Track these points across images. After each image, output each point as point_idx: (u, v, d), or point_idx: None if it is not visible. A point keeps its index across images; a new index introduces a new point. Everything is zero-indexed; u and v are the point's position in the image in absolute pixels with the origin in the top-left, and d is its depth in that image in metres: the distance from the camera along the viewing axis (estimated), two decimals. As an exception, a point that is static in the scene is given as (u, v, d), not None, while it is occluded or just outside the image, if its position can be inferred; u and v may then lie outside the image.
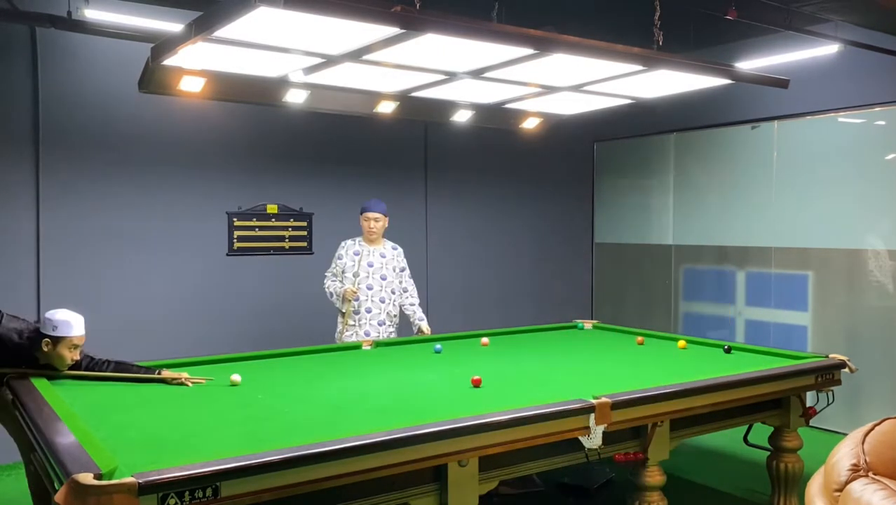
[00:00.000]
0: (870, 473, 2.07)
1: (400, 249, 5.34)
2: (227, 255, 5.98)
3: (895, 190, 5.62)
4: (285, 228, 6.22)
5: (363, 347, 4.70)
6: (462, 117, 4.98)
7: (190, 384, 3.55)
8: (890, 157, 5.68)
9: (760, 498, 4.41)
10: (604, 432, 3.06)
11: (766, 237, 6.43)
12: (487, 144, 7.03)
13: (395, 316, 5.24)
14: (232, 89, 4.14)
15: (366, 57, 3.56)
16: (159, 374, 3.60)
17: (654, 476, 3.37)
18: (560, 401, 3.05)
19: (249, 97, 4.37)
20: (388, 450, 2.54)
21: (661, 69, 3.87)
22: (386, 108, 4.64)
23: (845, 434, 2.31)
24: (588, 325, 5.63)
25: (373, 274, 5.14)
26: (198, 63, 3.73)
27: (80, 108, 5.37)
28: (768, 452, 4.11)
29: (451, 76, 4.05)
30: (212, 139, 5.87)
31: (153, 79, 3.83)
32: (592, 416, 3.03)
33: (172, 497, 2.14)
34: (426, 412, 2.97)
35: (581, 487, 4.47)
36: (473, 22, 3.17)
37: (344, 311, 5.11)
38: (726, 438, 4.94)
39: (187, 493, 2.16)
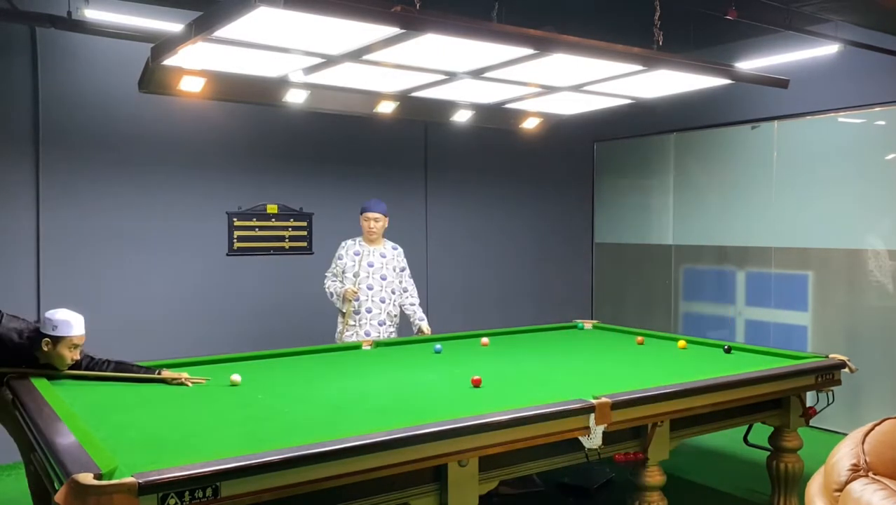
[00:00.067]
0: (870, 473, 2.07)
1: (400, 249, 5.34)
2: (227, 255, 5.98)
3: (895, 190, 5.62)
4: (285, 228, 6.22)
5: (363, 347, 4.70)
6: (462, 117, 4.98)
7: (190, 384, 3.55)
8: (890, 157, 5.68)
9: (760, 498, 4.41)
10: (604, 432, 3.06)
11: (766, 237, 6.43)
12: (487, 144, 7.03)
13: (395, 316, 5.24)
14: (232, 89, 4.14)
15: (366, 57, 3.56)
16: (159, 374, 3.60)
17: (654, 476, 3.37)
18: (560, 401, 3.05)
19: (249, 97, 4.37)
20: (388, 450, 2.54)
21: (661, 69, 3.87)
22: (386, 108, 4.64)
23: (845, 434, 2.31)
24: (588, 325, 5.63)
25: (373, 274, 5.14)
26: (198, 63, 3.73)
27: (80, 108, 5.37)
28: (768, 452, 4.11)
29: (451, 76, 4.05)
30: (212, 139, 5.87)
31: (153, 79, 3.83)
32: (592, 416, 3.03)
33: (172, 497, 2.14)
34: (426, 412, 2.97)
35: (581, 487, 4.47)
36: (473, 22, 3.17)
37: (344, 311, 5.11)
38: (726, 438, 4.94)
39: (187, 493, 2.16)
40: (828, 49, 5.81)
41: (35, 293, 5.22)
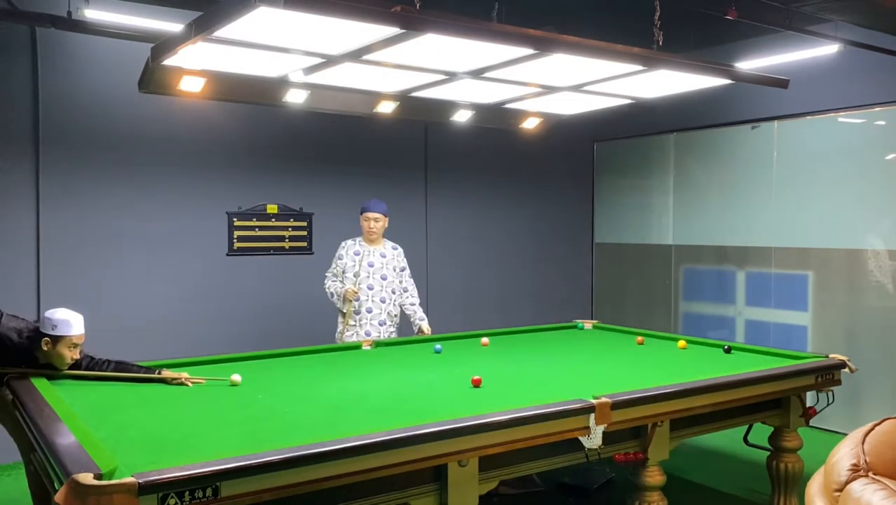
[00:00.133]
0: (870, 473, 2.07)
1: (400, 249, 5.34)
2: (227, 255, 5.98)
3: (895, 190, 5.62)
4: (285, 228, 6.22)
5: (363, 347, 4.70)
6: (462, 117, 4.98)
7: (190, 384, 3.55)
8: (890, 157, 5.68)
9: (760, 498, 4.41)
10: (604, 432, 3.06)
11: (766, 237, 6.43)
12: (487, 144, 7.03)
13: (395, 316, 5.24)
14: (232, 89, 4.14)
15: (366, 57, 3.56)
16: (159, 374, 3.60)
17: (654, 476, 3.37)
18: (560, 401, 3.05)
19: (249, 97, 4.37)
20: (388, 450, 2.54)
21: (661, 69, 3.87)
22: (386, 108, 4.64)
23: (845, 434, 2.31)
24: (588, 325, 5.63)
25: (373, 274, 5.14)
26: (198, 63, 3.73)
27: (80, 108, 5.37)
28: (768, 452, 4.11)
29: (451, 76, 4.05)
30: (212, 139, 5.87)
31: (153, 79, 3.83)
32: (592, 416, 3.03)
33: (172, 497, 2.14)
34: (426, 412, 2.97)
35: (581, 487, 4.47)
36: (473, 22, 3.17)
37: (345, 311, 5.11)
38: (726, 438, 4.94)
39: (187, 493, 2.16)
40: (828, 49, 5.81)
41: (35, 293, 5.22)
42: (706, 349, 4.67)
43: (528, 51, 3.49)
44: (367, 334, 5.05)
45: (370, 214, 5.16)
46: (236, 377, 3.58)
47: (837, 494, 2.09)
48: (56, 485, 2.25)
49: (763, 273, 6.47)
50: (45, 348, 3.38)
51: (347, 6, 2.80)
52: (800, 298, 6.21)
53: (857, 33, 5.61)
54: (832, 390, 4.11)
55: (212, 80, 3.95)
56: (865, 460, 2.10)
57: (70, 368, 3.48)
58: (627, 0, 5.04)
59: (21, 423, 3.05)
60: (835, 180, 5.96)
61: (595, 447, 3.07)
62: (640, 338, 4.98)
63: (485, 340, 4.91)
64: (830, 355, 4.17)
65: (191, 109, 5.57)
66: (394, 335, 5.21)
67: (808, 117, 6.17)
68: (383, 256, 5.22)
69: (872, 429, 2.22)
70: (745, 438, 4.42)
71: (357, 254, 5.16)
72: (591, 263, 8.09)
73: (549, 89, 4.43)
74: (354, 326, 5.10)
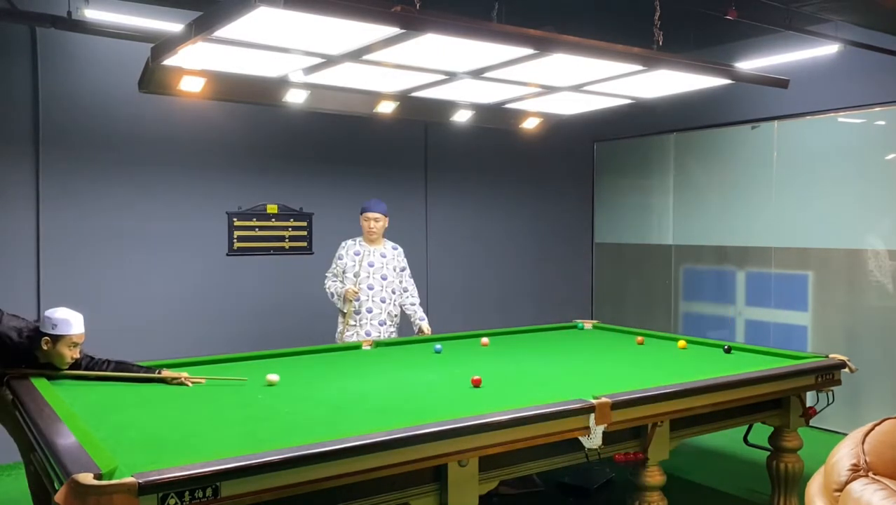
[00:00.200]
0: (870, 473, 2.07)
1: (400, 249, 5.34)
2: (227, 255, 5.98)
3: (895, 190, 5.62)
4: (285, 228, 6.22)
5: (363, 347, 4.70)
6: (462, 117, 4.98)
7: (190, 384, 3.55)
8: (890, 157, 5.68)
9: (760, 498, 4.41)
10: (604, 432, 3.06)
11: (766, 237, 6.43)
12: (487, 144, 7.03)
13: (395, 316, 5.24)
14: (232, 89, 4.14)
15: (366, 57, 3.56)
16: (159, 373, 3.60)
17: (654, 476, 3.37)
18: (560, 401, 3.05)
19: (249, 97, 4.37)
20: (388, 450, 2.54)
21: (661, 69, 3.87)
22: (386, 108, 4.64)
23: (845, 434, 2.31)
24: (588, 325, 5.63)
25: (373, 274, 5.14)
26: (198, 63, 3.73)
27: (80, 108, 5.37)
28: (768, 452, 4.11)
29: (451, 76, 4.05)
30: (212, 139, 5.87)
31: (153, 79, 3.83)
32: (592, 416, 3.03)
33: (172, 497, 2.14)
34: (426, 412, 2.97)
35: (581, 487, 4.47)
36: (473, 22, 3.17)
37: (345, 311, 5.11)
38: (726, 438, 4.94)
39: (187, 493, 2.16)
40: (828, 49, 5.81)
41: (35, 293, 5.22)
42: (706, 349, 4.67)
43: (528, 51, 3.49)
44: (368, 334, 5.05)
45: (370, 214, 5.16)
46: (273, 377, 3.57)
47: (837, 494, 2.09)
48: (56, 485, 2.25)
49: (763, 273, 6.47)
50: (45, 347, 3.38)
51: (347, 6, 2.80)
52: (800, 298, 6.21)
53: (857, 33, 5.62)
54: (832, 390, 4.11)
55: (212, 80, 3.95)
56: (865, 460, 2.10)
57: (70, 368, 3.48)
58: (627, 0, 5.04)
59: (21, 423, 3.05)
60: (835, 180, 5.96)
61: (595, 447, 3.07)
62: (640, 338, 4.98)
63: (485, 340, 4.91)
64: (830, 355, 4.17)
65: (191, 109, 5.57)
66: (394, 335, 5.21)
67: (808, 117, 6.17)
68: (383, 255, 5.22)
69: (872, 429, 2.22)
70: (745, 438, 4.42)
71: (357, 254, 5.16)
72: (591, 263, 8.09)
73: (549, 89, 4.43)
74: (354, 325, 5.10)
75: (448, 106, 4.84)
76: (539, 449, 3.00)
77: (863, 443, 2.16)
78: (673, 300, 7.26)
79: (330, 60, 3.67)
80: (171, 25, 4.47)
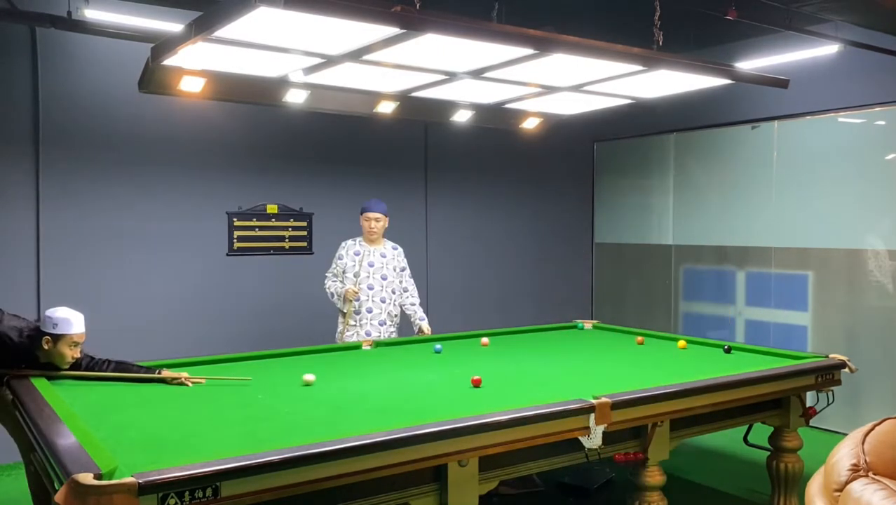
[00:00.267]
0: (870, 473, 2.07)
1: (400, 249, 5.34)
2: (227, 255, 5.98)
3: (895, 190, 5.62)
4: (285, 228, 6.22)
5: (363, 347, 4.70)
6: (462, 117, 4.98)
7: (190, 384, 3.55)
8: (890, 157, 5.68)
9: (760, 498, 4.41)
10: (604, 432, 3.05)
11: (766, 237, 6.43)
12: (487, 144, 7.03)
13: (395, 316, 5.24)
14: (232, 89, 4.14)
15: (366, 57, 3.56)
16: (159, 374, 3.60)
17: (654, 476, 3.37)
18: (560, 401, 3.05)
19: (249, 97, 4.37)
20: (388, 450, 2.54)
21: (661, 69, 3.87)
22: (386, 108, 4.64)
23: (845, 434, 2.31)
24: (588, 325, 5.63)
25: (373, 274, 5.14)
26: (198, 63, 3.73)
27: (80, 108, 5.37)
28: (768, 452, 4.11)
29: (451, 76, 4.05)
30: (212, 139, 5.87)
31: (153, 79, 3.83)
32: (592, 416, 3.03)
33: (172, 497, 2.14)
34: (426, 412, 2.98)
35: (581, 487, 4.47)
36: (473, 22, 3.17)
37: (345, 311, 5.11)
38: (726, 438, 4.94)
39: (187, 493, 2.16)
40: (828, 49, 5.81)
41: (35, 293, 5.22)
42: (706, 349, 4.67)
43: (528, 51, 3.49)
44: (368, 334, 5.05)
45: (371, 214, 5.16)
46: (309, 377, 3.58)
47: (837, 494, 2.09)
48: (56, 485, 2.25)
49: (763, 273, 6.47)
50: (45, 347, 3.38)
51: (347, 6, 2.80)
52: (800, 298, 6.21)
53: (857, 33, 5.62)
54: (832, 390, 4.11)
55: (212, 80, 3.95)
56: (865, 460, 2.10)
57: (70, 368, 3.48)
58: (627, 0, 5.04)
59: (21, 423, 3.05)
60: (835, 180, 5.96)
61: (595, 447, 3.07)
62: (640, 338, 4.98)
63: (485, 340, 4.91)
64: (830, 355, 4.17)
65: (191, 109, 5.57)
66: (394, 335, 5.21)
67: (808, 117, 6.17)
68: (383, 256, 5.22)
69: (872, 429, 2.22)
70: (745, 438, 4.42)
71: (357, 254, 5.16)
72: (591, 263, 8.09)
73: (549, 89, 4.43)
74: (355, 325, 5.10)
75: (448, 106, 4.84)
76: (539, 449, 3.00)
77: (863, 443, 2.16)
78: (673, 300, 7.26)
79: (330, 60, 3.67)
80: (171, 25, 4.47)
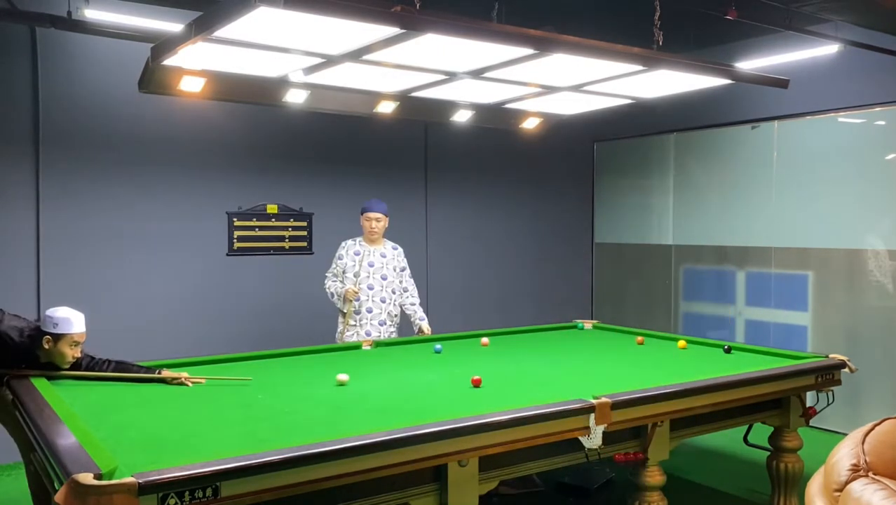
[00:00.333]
0: (870, 473, 2.07)
1: (400, 249, 5.34)
2: (227, 255, 5.98)
3: (895, 190, 5.62)
4: (285, 228, 6.22)
5: (363, 347, 4.70)
6: (462, 117, 4.98)
7: (190, 384, 3.55)
8: (890, 157, 5.68)
9: (760, 498, 4.41)
10: (604, 432, 3.05)
11: (766, 237, 6.43)
12: (487, 144, 7.03)
13: (395, 316, 5.24)
14: (232, 89, 4.15)
15: (366, 57, 3.56)
16: (159, 374, 3.60)
17: (654, 476, 3.37)
18: (560, 401, 3.05)
19: (249, 97, 4.37)
20: (388, 450, 2.54)
21: (661, 69, 3.87)
22: (386, 108, 4.64)
23: (845, 434, 2.31)
24: (588, 325, 5.63)
25: (373, 274, 5.14)
26: (198, 63, 3.73)
27: (80, 108, 5.37)
28: (768, 452, 4.11)
29: (451, 76, 4.05)
30: (212, 139, 5.87)
31: (153, 79, 3.83)
32: (592, 416, 3.03)
33: (172, 497, 2.14)
34: (426, 412, 2.98)
35: (581, 487, 4.47)
36: (473, 22, 3.17)
37: (345, 311, 5.11)
38: (726, 438, 4.94)
39: (187, 493, 2.16)
40: (828, 49, 5.81)
41: (35, 293, 5.22)
42: (706, 349, 4.67)
43: (528, 51, 3.49)
44: (368, 334, 5.05)
45: (372, 214, 5.16)
46: (343, 376, 3.57)
47: (837, 494, 2.09)
48: (56, 485, 2.25)
49: (763, 273, 6.47)
50: (46, 347, 3.38)
51: (347, 6, 2.80)
52: (800, 298, 6.21)
53: (857, 33, 5.62)
54: (832, 390, 4.11)
55: (212, 80, 3.95)
56: (865, 460, 2.10)
57: (70, 368, 3.48)
58: (627, 0, 5.04)
59: (21, 423, 3.05)
60: (835, 180, 5.96)
61: (595, 447, 3.07)
62: (640, 338, 4.98)
63: (485, 340, 4.91)
64: (830, 355, 4.17)
65: (191, 109, 5.57)
66: (394, 335, 5.21)
67: (808, 117, 6.17)
68: (383, 255, 5.22)
69: (872, 429, 2.21)
70: (745, 438, 4.42)
71: (357, 254, 5.16)
72: (591, 263, 8.09)
73: (549, 89, 4.43)
74: (355, 325, 5.10)
75: (448, 106, 4.84)
76: (539, 449, 3.00)
77: (863, 443, 2.16)
78: (673, 300, 7.26)
79: (330, 60, 3.67)
80: (171, 25, 4.47)
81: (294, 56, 3.60)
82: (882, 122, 5.73)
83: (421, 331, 5.24)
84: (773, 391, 3.84)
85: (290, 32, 3.19)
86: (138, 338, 5.40)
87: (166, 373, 3.61)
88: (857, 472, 2.09)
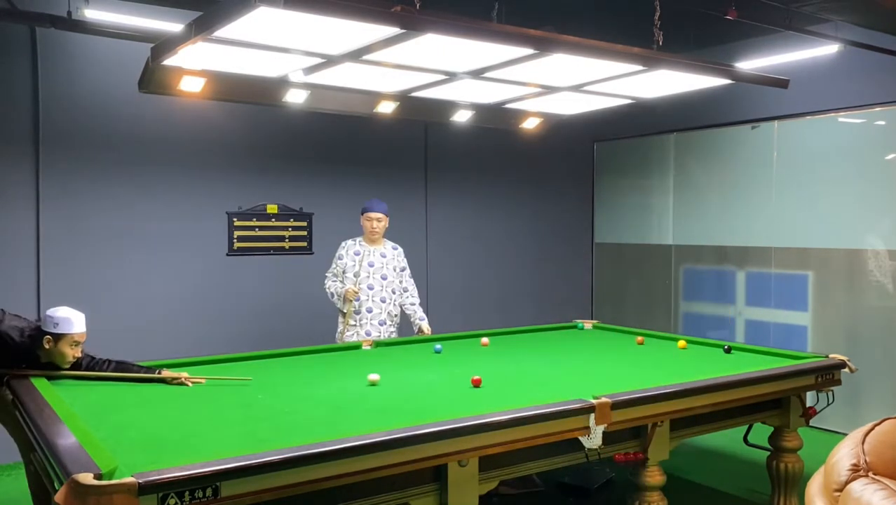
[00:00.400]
0: (870, 473, 2.07)
1: (400, 249, 5.34)
2: (227, 255, 5.98)
3: (895, 190, 5.62)
4: (285, 228, 6.22)
5: (363, 347, 4.70)
6: (462, 117, 4.98)
7: (190, 384, 3.55)
8: (890, 157, 5.68)
9: (760, 498, 4.41)
10: (604, 432, 3.05)
11: (766, 237, 6.43)
12: (487, 144, 7.03)
13: (395, 316, 5.24)
14: (232, 89, 4.14)
15: (366, 57, 3.56)
16: (159, 373, 3.60)
17: (654, 476, 3.37)
18: (560, 401, 3.05)
19: (249, 97, 4.37)
20: (388, 450, 2.54)
21: (661, 69, 3.87)
22: (386, 108, 4.64)
23: (845, 434, 2.31)
24: (588, 325, 5.63)
25: (373, 274, 5.14)
26: (198, 63, 3.73)
27: (80, 108, 5.37)
28: (768, 452, 4.11)
29: (451, 76, 4.05)
30: (212, 139, 5.87)
31: (153, 79, 3.83)
32: (592, 416, 3.03)
33: (172, 497, 2.14)
34: (426, 412, 2.98)
35: (581, 487, 4.47)
36: (473, 22, 3.17)
37: (345, 311, 5.11)
38: (726, 438, 4.94)
39: (187, 493, 2.16)
40: (828, 49, 5.81)
41: (35, 293, 5.22)
42: (706, 349, 4.67)
43: (528, 51, 3.49)
44: (368, 334, 5.05)
45: (373, 214, 5.16)
46: (374, 376, 3.57)
47: (837, 494, 2.09)
48: (56, 485, 2.25)
49: (763, 273, 6.47)
50: (46, 346, 3.38)
51: (347, 6, 2.80)
52: (800, 298, 6.21)
53: (857, 33, 5.62)
54: (832, 390, 4.11)
55: (212, 80, 3.95)
56: (865, 460, 2.10)
57: (71, 368, 3.48)
58: (627, 0, 5.04)
59: (21, 423, 3.05)
60: (835, 180, 5.96)
61: (595, 447, 3.07)
62: (640, 338, 4.98)
63: (485, 340, 4.91)
64: (830, 355, 4.17)
65: (191, 109, 5.57)
66: (394, 335, 5.21)
67: (808, 117, 6.17)
68: (383, 255, 5.22)
69: (872, 429, 2.21)
70: (745, 438, 4.42)
71: (357, 254, 5.16)
72: (591, 263, 8.09)
73: (549, 89, 4.43)
74: (355, 325, 5.10)
75: (448, 106, 4.84)
76: (539, 449, 3.00)
77: (863, 443, 2.16)
78: (673, 300, 7.26)
79: (330, 60, 3.67)
80: (171, 25, 4.47)
81: (294, 56, 3.60)
82: (882, 122, 5.73)
83: (421, 331, 5.24)
84: (773, 391, 3.84)
85: (290, 32, 3.19)
86: (138, 338, 5.40)
87: (166, 373, 3.61)
88: (857, 472, 2.09)
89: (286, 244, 6.22)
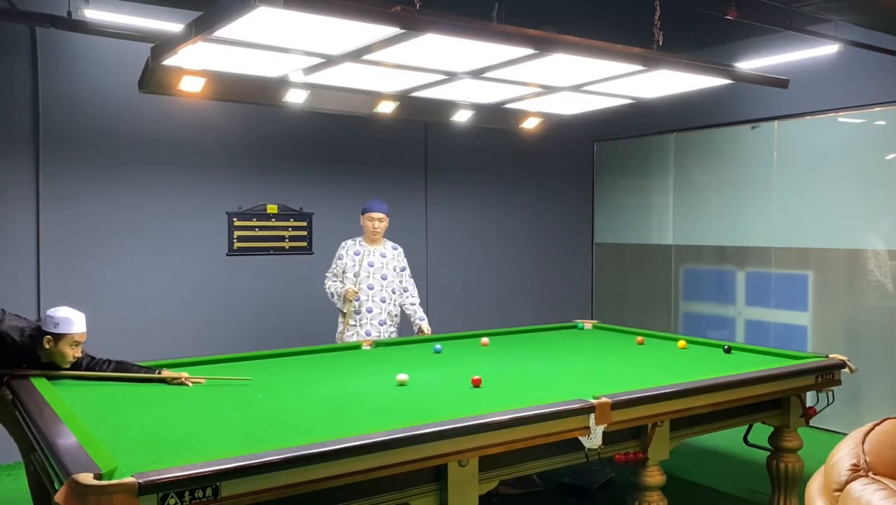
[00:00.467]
0: (870, 473, 2.07)
1: (400, 249, 5.34)
2: (227, 255, 5.98)
3: (895, 190, 5.62)
4: (285, 228, 6.22)
5: (363, 347, 4.70)
6: (462, 117, 4.98)
7: (190, 384, 3.55)
8: (890, 157, 5.68)
9: (760, 498, 4.41)
10: (604, 432, 3.05)
11: (766, 237, 6.43)
12: (487, 144, 7.03)
13: (395, 316, 5.24)
14: (232, 89, 4.15)
15: (366, 57, 3.56)
16: (159, 373, 3.60)
17: (654, 476, 3.37)
18: (560, 401, 3.04)
19: (249, 97, 4.37)
20: (388, 450, 2.54)
21: (661, 69, 3.87)
22: (386, 108, 4.64)
23: (845, 434, 2.31)
24: (588, 325, 5.63)
25: (373, 274, 5.14)
26: (198, 63, 3.73)
27: (80, 108, 5.37)
28: (768, 452, 4.11)
29: (451, 76, 4.05)
30: (212, 139, 5.87)
31: (153, 79, 3.83)
32: (592, 416, 3.03)
33: (172, 497, 2.14)
34: (426, 412, 2.98)
35: (581, 487, 4.47)
36: (473, 22, 3.17)
37: (345, 311, 5.11)
38: (726, 438, 4.94)
39: (187, 493, 2.16)
40: (828, 49, 5.81)
41: (35, 293, 5.22)
42: (706, 349, 4.67)
43: (528, 51, 3.49)
44: (368, 334, 5.05)
45: (374, 214, 5.16)
46: (403, 376, 3.57)
47: (837, 494, 2.09)
48: (56, 485, 2.25)
49: (763, 273, 6.47)
50: (46, 346, 3.38)
51: (347, 6, 2.80)
52: (800, 298, 6.21)
53: (857, 33, 5.62)
54: (832, 390, 4.11)
55: (212, 80, 3.95)
56: (865, 460, 2.10)
57: (71, 368, 3.48)
58: (627, 0, 5.04)
59: (21, 423, 3.05)
60: (835, 180, 5.96)
61: (595, 447, 3.07)
62: (640, 338, 4.98)
63: (485, 340, 4.91)
64: (830, 355, 4.17)
65: (191, 109, 5.57)
66: (394, 335, 5.21)
67: (808, 117, 6.17)
68: (383, 255, 5.22)
69: (872, 429, 2.21)
70: (745, 438, 4.42)
71: (357, 254, 5.16)
72: (591, 263, 8.09)
73: (549, 89, 4.43)
74: (355, 325, 5.10)
75: (448, 106, 4.84)
76: (539, 449, 3.00)
77: (863, 443, 2.15)
78: (673, 300, 7.26)
79: (330, 60, 3.67)
80: (171, 25, 4.47)
81: (294, 56, 3.60)
82: (882, 122, 5.73)
83: (421, 331, 5.24)
84: (773, 391, 3.84)
85: (290, 32, 3.19)
86: (138, 338, 5.40)
87: (166, 373, 3.61)
88: (857, 472, 2.09)
89: (286, 244, 6.22)
